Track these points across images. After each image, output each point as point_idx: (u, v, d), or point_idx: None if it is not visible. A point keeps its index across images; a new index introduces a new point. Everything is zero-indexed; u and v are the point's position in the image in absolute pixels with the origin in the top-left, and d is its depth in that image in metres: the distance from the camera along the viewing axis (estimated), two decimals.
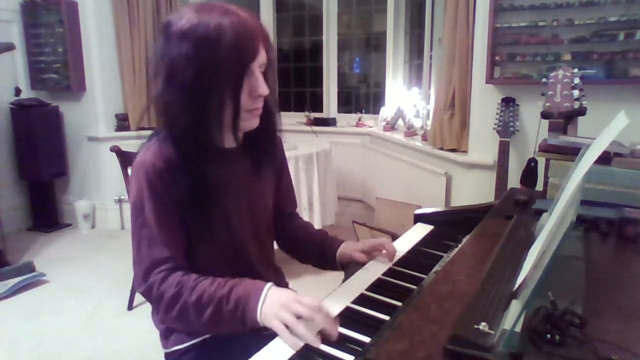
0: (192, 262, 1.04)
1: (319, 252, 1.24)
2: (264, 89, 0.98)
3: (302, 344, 0.82)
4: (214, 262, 1.07)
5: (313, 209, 3.04)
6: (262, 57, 0.97)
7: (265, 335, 0.87)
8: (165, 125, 1.00)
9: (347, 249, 1.20)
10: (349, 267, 1.20)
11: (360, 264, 1.18)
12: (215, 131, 1.01)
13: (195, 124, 0.97)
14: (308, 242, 1.27)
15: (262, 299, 0.90)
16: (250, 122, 1.02)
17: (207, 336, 1.11)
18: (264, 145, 1.13)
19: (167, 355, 1.16)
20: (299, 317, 0.85)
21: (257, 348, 0.82)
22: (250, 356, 0.80)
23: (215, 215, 1.04)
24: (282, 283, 1.27)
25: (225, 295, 0.92)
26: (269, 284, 0.94)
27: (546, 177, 1.43)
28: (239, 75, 0.95)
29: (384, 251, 1.18)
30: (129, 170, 2.41)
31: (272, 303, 0.89)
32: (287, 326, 0.85)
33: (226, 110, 0.97)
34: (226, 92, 0.95)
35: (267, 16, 4.44)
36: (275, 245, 1.30)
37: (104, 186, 3.87)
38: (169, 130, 1.00)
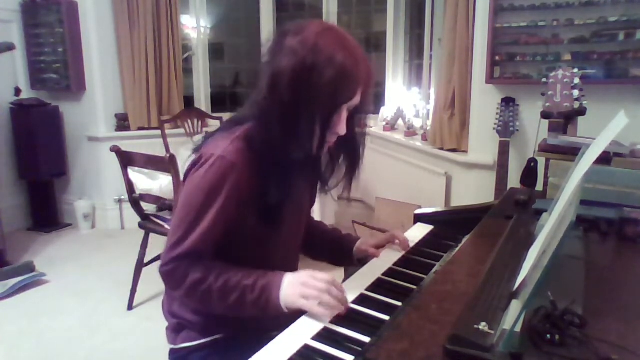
0: (236, 265, 1.04)
1: (336, 249, 1.32)
2: (341, 129, 1.00)
3: (329, 315, 0.90)
4: (258, 267, 1.08)
5: (313, 209, 3.03)
6: (356, 99, 0.99)
7: (274, 337, 0.87)
8: (258, 127, 1.01)
9: (363, 244, 1.28)
10: (366, 261, 1.25)
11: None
12: (301, 149, 1.00)
13: (286, 136, 0.98)
14: (324, 240, 1.34)
15: (284, 288, 0.96)
16: (319, 150, 1.04)
17: (217, 336, 1.12)
18: (330, 173, 1.16)
19: (173, 351, 1.15)
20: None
21: None
22: None
23: (278, 224, 1.08)
24: None
25: (250, 285, 0.97)
26: (286, 273, 0.99)
27: (546, 177, 1.43)
28: (330, 111, 0.97)
29: (397, 241, 1.26)
30: (129, 170, 2.44)
31: (291, 286, 0.96)
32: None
33: (313, 135, 0.99)
34: (316, 121, 0.97)
35: (267, 16, 4.44)
36: None
37: (104, 186, 3.86)
38: (261, 133, 1.00)
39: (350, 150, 1.11)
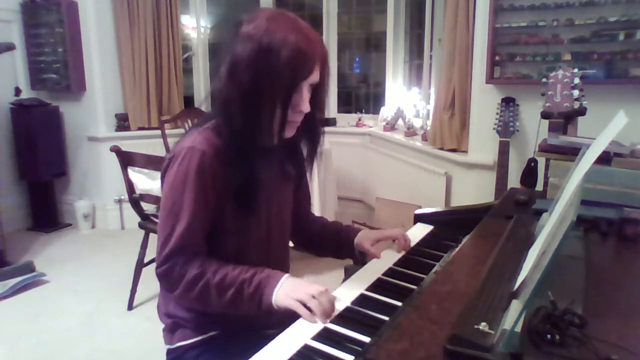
0: (219, 253, 1.07)
1: (336, 243, 1.31)
2: (305, 107, 1.03)
3: (314, 320, 0.91)
4: (240, 255, 1.10)
5: (313, 209, 3.03)
6: (314, 77, 1.02)
7: (267, 335, 0.88)
8: (221, 117, 1.04)
9: (364, 240, 1.26)
10: (367, 258, 1.25)
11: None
12: (264, 132, 1.04)
13: (249, 122, 1.01)
14: (324, 234, 1.34)
15: (279, 286, 0.98)
16: (287, 132, 1.06)
17: (213, 333, 1.13)
18: (300, 154, 1.19)
19: (170, 351, 1.16)
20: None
21: (260, 347, 0.84)
22: (253, 354, 0.82)
23: (253, 210, 1.09)
24: None
25: (248, 279, 1.00)
26: (287, 274, 1.01)
27: (546, 177, 1.43)
28: (289, 90, 1.00)
29: (396, 241, 1.26)
30: (129, 170, 2.44)
31: (286, 289, 0.98)
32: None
33: (275, 117, 1.02)
34: (277, 101, 1.00)
35: None
36: (290, 244, 1.34)
37: (104, 186, 3.86)
38: (224, 122, 1.03)
39: (310, 130, 1.13)
